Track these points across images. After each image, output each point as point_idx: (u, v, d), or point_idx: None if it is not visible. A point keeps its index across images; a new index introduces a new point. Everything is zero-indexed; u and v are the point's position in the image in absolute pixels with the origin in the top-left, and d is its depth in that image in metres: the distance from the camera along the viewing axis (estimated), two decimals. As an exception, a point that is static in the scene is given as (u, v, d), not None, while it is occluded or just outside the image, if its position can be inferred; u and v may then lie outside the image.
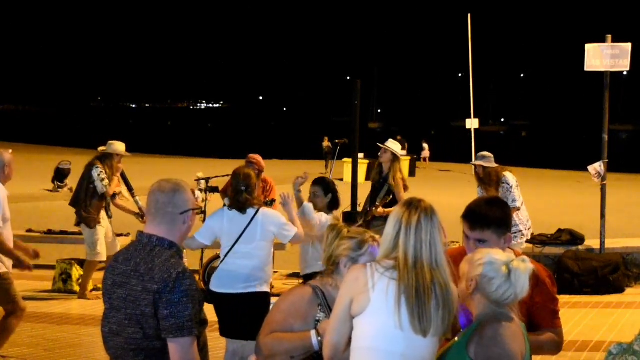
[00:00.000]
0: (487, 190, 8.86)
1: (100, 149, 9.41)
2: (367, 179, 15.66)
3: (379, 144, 8.90)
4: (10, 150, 6.79)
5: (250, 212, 5.85)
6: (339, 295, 3.10)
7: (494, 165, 8.97)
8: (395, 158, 8.79)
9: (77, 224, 9.21)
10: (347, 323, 3.05)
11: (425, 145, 38.22)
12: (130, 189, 9.41)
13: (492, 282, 3.02)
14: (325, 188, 6.93)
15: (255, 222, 5.84)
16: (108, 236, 9.28)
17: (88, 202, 9.02)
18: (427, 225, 3.04)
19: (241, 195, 5.86)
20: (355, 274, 3.07)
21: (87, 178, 9.09)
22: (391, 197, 8.53)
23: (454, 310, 3.02)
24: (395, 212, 3.14)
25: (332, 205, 6.94)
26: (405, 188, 8.75)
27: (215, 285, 5.89)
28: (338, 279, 3.40)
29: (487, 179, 8.91)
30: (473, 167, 9.31)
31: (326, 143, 30.50)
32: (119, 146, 9.24)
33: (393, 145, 8.86)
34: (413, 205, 3.11)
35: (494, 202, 3.59)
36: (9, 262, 6.43)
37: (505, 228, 3.45)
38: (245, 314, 5.69)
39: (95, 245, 9.04)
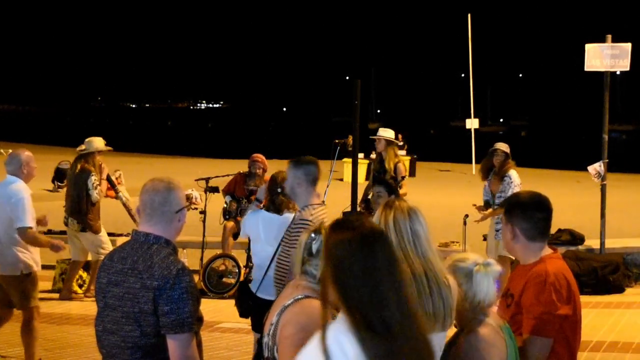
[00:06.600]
0: (493, 182, 8.98)
1: (79, 148, 9.30)
2: (367, 179, 15.67)
3: (371, 137, 9.10)
4: (10, 150, 6.82)
5: (288, 215, 5.62)
6: None
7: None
8: (389, 144, 8.97)
9: (82, 230, 9.15)
10: None
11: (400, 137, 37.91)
12: (113, 185, 9.51)
13: (460, 289, 3.05)
14: (388, 188, 6.69)
15: None
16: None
17: (90, 210, 9.04)
18: (405, 223, 3.05)
19: (277, 196, 5.74)
20: None
21: (83, 187, 9.01)
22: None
23: (452, 302, 3.00)
24: (375, 216, 3.16)
25: None
26: (404, 172, 8.94)
27: (268, 294, 5.15)
28: None
29: (500, 167, 8.88)
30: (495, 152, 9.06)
31: (350, 141, 30.44)
32: (98, 142, 9.19)
33: (384, 132, 9.12)
34: (388, 205, 3.14)
35: None
36: (39, 262, 6.63)
37: None
38: None
39: (103, 245, 9.12)
